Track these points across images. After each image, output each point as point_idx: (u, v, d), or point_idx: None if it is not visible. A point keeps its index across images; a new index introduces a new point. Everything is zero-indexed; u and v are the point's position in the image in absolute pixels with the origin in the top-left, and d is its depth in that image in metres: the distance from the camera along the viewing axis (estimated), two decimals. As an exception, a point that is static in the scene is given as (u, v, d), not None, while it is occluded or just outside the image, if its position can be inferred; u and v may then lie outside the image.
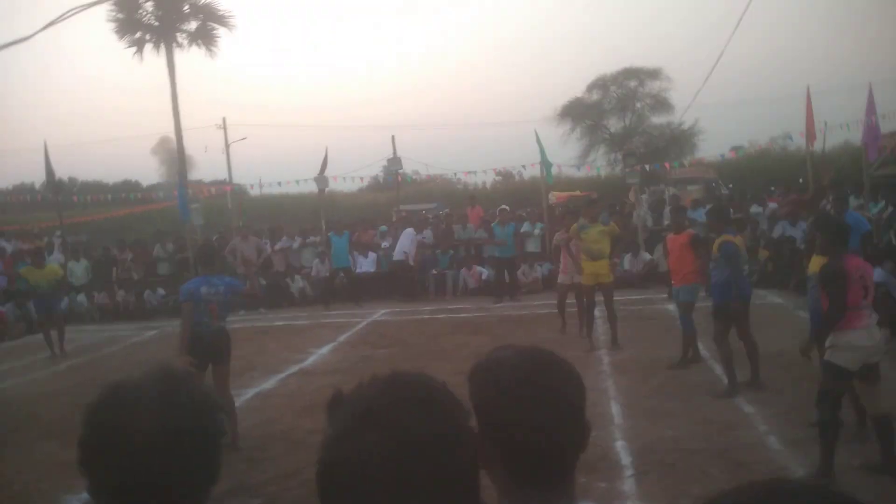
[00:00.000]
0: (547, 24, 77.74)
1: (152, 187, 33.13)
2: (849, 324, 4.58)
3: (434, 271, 15.00)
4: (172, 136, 22.19)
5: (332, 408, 0.93)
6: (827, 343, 4.67)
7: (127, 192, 28.00)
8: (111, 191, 31.30)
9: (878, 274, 8.30)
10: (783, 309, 10.48)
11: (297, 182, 18.72)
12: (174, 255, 16.83)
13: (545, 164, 15.68)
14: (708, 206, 14.59)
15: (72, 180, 44.13)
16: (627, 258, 14.01)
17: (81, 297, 15.68)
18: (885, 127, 12.85)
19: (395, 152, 17.76)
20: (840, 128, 15.32)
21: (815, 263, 5.36)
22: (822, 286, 4.78)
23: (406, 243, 14.62)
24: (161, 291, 15.73)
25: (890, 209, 10.72)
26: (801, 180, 18.01)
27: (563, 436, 1.15)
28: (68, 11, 10.46)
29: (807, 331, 5.60)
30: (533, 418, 1.12)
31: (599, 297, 8.92)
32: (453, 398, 0.94)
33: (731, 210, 10.82)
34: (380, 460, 0.83)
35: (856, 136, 16.75)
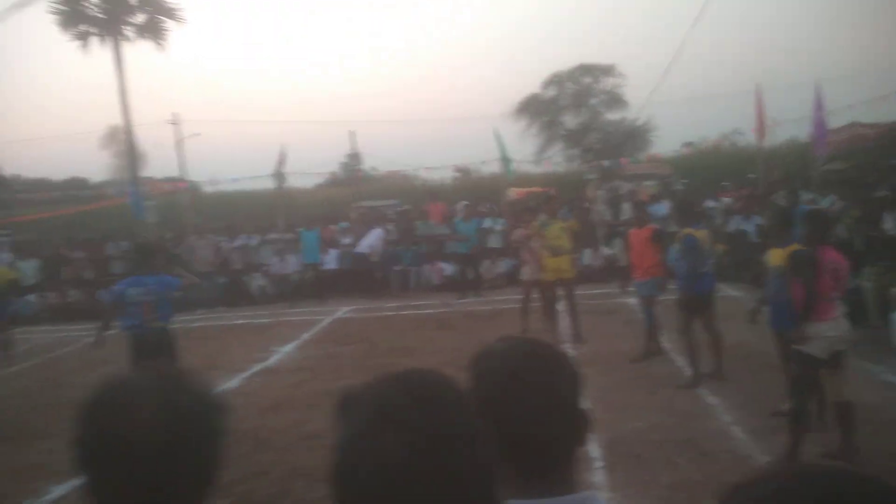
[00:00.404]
0: (504, 19, 78.09)
1: (102, 184, 32.15)
2: (819, 315, 4.76)
3: (397, 267, 14.97)
4: (120, 128, 21.57)
5: (342, 408, 0.91)
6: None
7: (75, 189, 27.13)
8: (58, 188, 30.28)
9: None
10: (740, 301, 10.77)
11: (254, 178, 18.42)
12: (128, 253, 16.39)
13: (505, 160, 15.78)
14: (666, 201, 14.98)
15: (14, 177, 42.53)
16: (587, 253, 14.20)
17: (31, 298, 15.17)
18: (833, 123, 13.33)
19: (354, 147, 17.60)
20: (791, 123, 15.80)
21: (775, 256, 5.56)
22: (794, 273, 4.94)
23: (373, 240, 14.61)
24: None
25: (840, 204, 11.12)
26: (751, 175, 18.54)
27: (553, 428, 1.16)
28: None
29: (764, 324, 5.80)
30: (521, 410, 1.14)
31: (560, 293, 9.04)
32: (466, 395, 0.93)
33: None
34: (397, 461, 0.81)
35: (802, 132, 17.36)
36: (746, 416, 5.76)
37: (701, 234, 7.00)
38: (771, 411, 5.70)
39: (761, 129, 15.13)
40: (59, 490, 5.25)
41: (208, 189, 27.67)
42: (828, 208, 10.92)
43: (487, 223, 15.84)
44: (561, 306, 9.27)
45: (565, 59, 61.88)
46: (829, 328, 4.80)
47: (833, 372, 4.87)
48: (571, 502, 1.15)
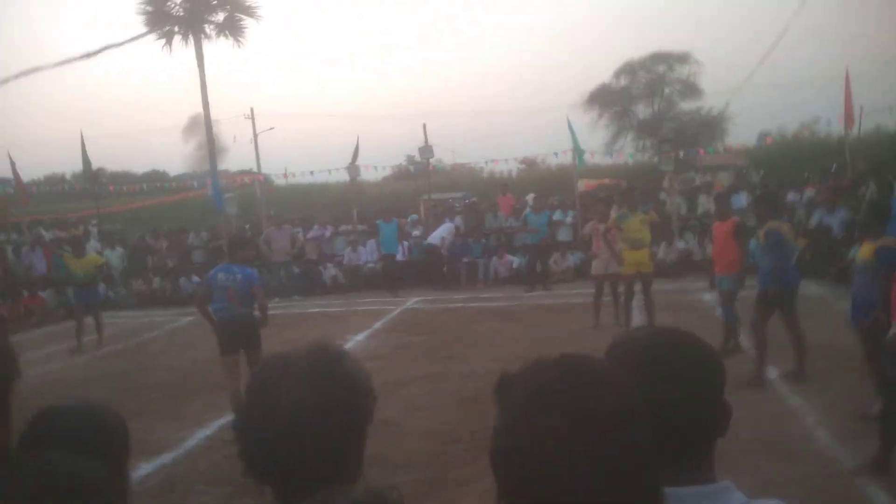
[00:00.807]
0: (572, 8, 76.85)
1: (182, 177, 33.52)
2: None
3: (465, 259, 15.02)
4: (202, 118, 22.39)
5: (501, 392, 0.91)
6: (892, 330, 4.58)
7: (155, 181, 28.37)
8: (141, 180, 31.73)
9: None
10: (822, 299, 10.34)
11: (330, 171, 18.84)
12: (208, 243, 17.09)
13: (577, 151, 15.59)
14: (744, 193, 14.48)
15: (101, 171, 44.71)
16: (662, 246, 13.90)
17: (118, 285, 16.00)
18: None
19: (426, 140, 17.72)
20: (882, 112, 14.98)
21: (866, 250, 5.32)
22: (885, 268, 4.71)
23: (443, 231, 14.78)
24: (196, 279, 15.97)
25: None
26: (833, 167, 17.68)
27: (702, 416, 1.16)
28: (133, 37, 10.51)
29: (847, 321, 5.57)
30: (661, 395, 1.11)
31: (637, 287, 8.90)
32: (624, 379, 0.92)
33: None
34: (558, 444, 0.81)
35: (890, 121, 16.41)
36: (831, 419, 5.54)
37: (785, 227, 6.77)
38: (858, 414, 5.48)
39: (850, 117, 14.41)
40: (149, 468, 5.55)
41: (280, 182, 28.47)
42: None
43: (557, 215, 15.70)
44: (635, 301, 9.13)
45: (639, 47, 60.37)
46: None
47: None
48: (717, 490, 1.16)
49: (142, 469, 5.51)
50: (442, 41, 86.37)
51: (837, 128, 16.24)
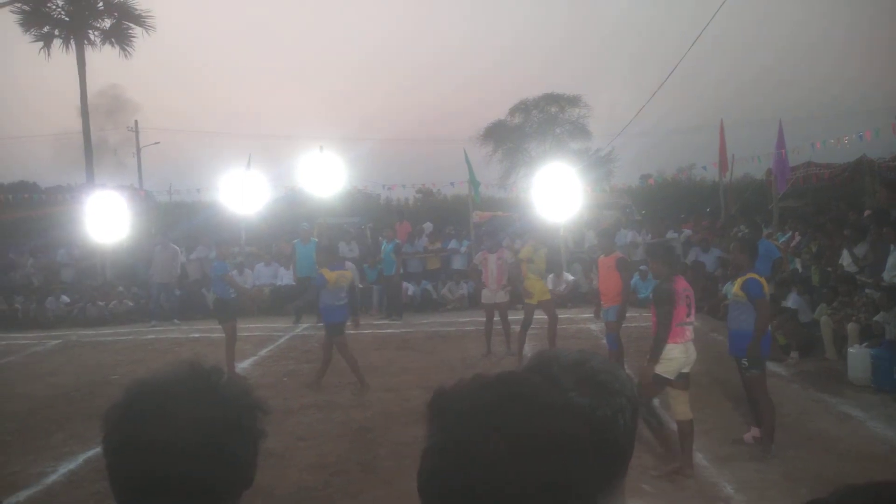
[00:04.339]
0: (474, 46, 79.10)
1: (55, 189, 31.18)
2: (672, 338, 5.18)
3: (360, 286, 14.75)
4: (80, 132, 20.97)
5: (434, 410, 0.86)
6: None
7: (23, 192, 26.21)
8: (7, 191, 29.25)
9: (792, 300, 8.82)
10: (698, 332, 10.91)
11: (214, 190, 18.02)
12: (80, 261, 15.88)
13: (473, 182, 15.84)
14: (629, 230, 15.18)
15: (-39, 179, 40.94)
16: (551, 278, 14.27)
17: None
18: (791, 162, 13.74)
19: (322, 164, 17.39)
20: (750, 160, 16.28)
21: (737, 285, 5.68)
22: (655, 306, 5.31)
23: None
24: (65, 298, 14.78)
25: (797, 238, 11.43)
26: (708, 209, 18.95)
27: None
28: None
29: (723, 349, 5.96)
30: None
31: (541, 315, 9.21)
32: (566, 403, 0.90)
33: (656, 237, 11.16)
34: (500, 466, 0.77)
35: (757, 168, 17.87)
36: (711, 444, 5.80)
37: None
38: (732, 439, 5.81)
39: (724, 163, 15.52)
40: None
41: (164, 199, 27.12)
42: (782, 243, 11.23)
43: (452, 244, 15.82)
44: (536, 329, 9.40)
45: (533, 87, 62.87)
46: (680, 351, 5.22)
47: (679, 390, 5.29)
48: None
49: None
50: (341, 65, 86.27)
51: (712, 172, 17.46)
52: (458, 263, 15.31)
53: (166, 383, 1.05)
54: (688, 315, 5.36)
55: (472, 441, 0.79)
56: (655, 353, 5.23)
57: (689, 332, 5.35)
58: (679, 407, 5.29)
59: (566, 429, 0.83)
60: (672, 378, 5.25)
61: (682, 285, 5.44)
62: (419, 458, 0.88)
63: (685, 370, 5.33)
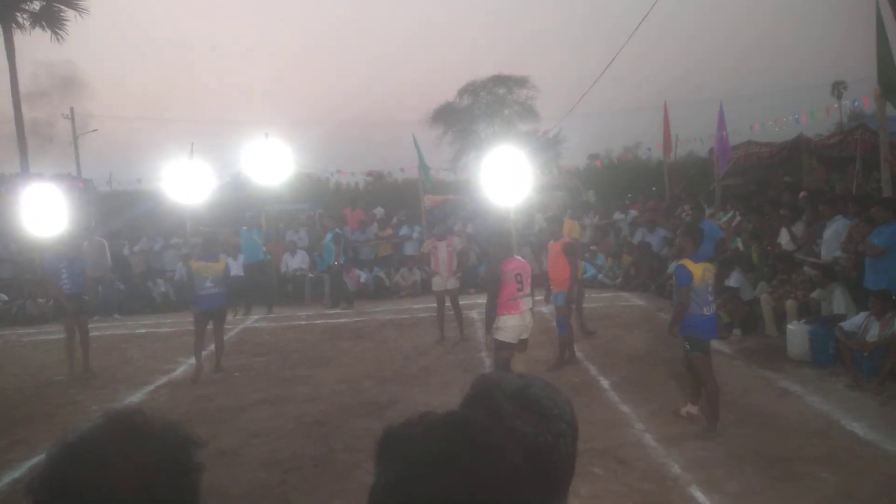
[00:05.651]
0: (424, 25, 78.37)
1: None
2: (507, 310, 6.09)
3: (311, 274, 14.60)
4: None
5: (382, 451, 0.89)
6: (494, 325, 6.15)
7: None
8: (-65, 183, 27.80)
9: (734, 279, 9.10)
10: (645, 311, 11.20)
11: (160, 179, 17.50)
12: (17, 256, 15.25)
13: (423, 167, 15.78)
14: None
15: None
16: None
17: None
18: (732, 141, 14.09)
19: (270, 149, 17.04)
20: (693, 140, 16.62)
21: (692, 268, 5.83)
22: (485, 289, 6.24)
23: (299, 262, 14.33)
24: (3, 296, 14.21)
25: (738, 218, 11.76)
26: (653, 189, 19.34)
27: None
28: None
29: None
30: None
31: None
32: (509, 432, 0.95)
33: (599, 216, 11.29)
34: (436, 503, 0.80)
35: (700, 147, 18.30)
36: (658, 424, 5.96)
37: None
38: (671, 411, 6.11)
39: (668, 144, 15.83)
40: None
41: (104, 189, 26.24)
42: (724, 222, 11.55)
43: (404, 230, 15.77)
44: (476, 314, 9.38)
45: (482, 69, 62.77)
46: (516, 320, 6.12)
47: (519, 352, 6.32)
48: None
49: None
50: (290, 47, 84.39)
51: (657, 153, 17.78)
52: (410, 249, 15.27)
53: (88, 440, 1.00)
54: (519, 290, 6.13)
55: (419, 484, 0.82)
56: (488, 324, 6.22)
57: (522, 304, 6.18)
58: (518, 367, 6.20)
59: (511, 467, 0.86)
60: (514, 342, 6.19)
61: (512, 265, 6.20)
62: (368, 493, 0.89)
63: (524, 336, 6.31)
